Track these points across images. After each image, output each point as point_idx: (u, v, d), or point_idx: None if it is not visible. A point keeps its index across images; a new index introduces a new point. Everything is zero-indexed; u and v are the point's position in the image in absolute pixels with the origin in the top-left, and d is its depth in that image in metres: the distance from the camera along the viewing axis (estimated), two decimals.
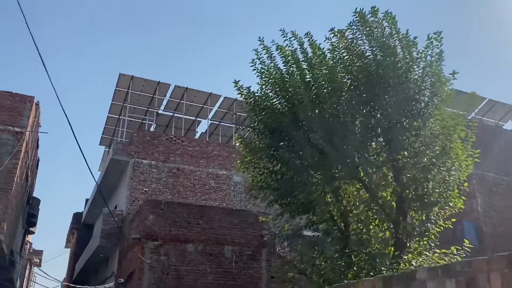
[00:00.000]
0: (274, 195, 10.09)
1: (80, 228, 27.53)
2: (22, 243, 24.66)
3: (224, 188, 20.01)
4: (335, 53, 8.66)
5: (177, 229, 13.10)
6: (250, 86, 9.71)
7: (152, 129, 23.96)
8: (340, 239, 9.03)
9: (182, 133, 23.77)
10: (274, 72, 9.25)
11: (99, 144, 26.73)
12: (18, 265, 20.86)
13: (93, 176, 7.08)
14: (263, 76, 9.32)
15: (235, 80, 9.50)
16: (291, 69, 9.17)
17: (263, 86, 9.60)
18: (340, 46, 8.55)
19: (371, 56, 8.34)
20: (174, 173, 18.97)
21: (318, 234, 10.23)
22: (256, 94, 9.54)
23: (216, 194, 19.66)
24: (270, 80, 9.37)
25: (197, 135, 26.06)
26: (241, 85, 9.59)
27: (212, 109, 23.95)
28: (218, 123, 24.96)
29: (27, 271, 30.24)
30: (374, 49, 8.24)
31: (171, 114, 24.12)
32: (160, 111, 23.77)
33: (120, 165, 18.52)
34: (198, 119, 24.97)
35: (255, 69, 9.61)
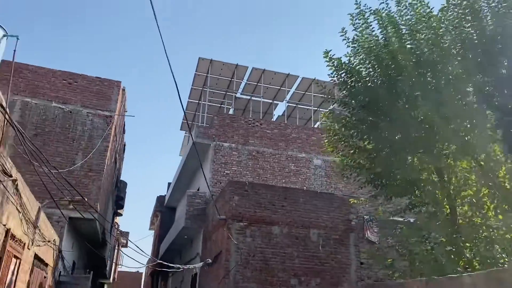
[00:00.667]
0: (367, 176, 9.36)
1: (164, 211, 28.54)
2: (112, 224, 26.11)
3: (304, 171, 19.49)
4: (445, 12, 7.64)
5: (262, 211, 12.81)
6: (340, 57, 8.99)
7: (230, 112, 23.98)
8: (448, 223, 8.11)
9: (260, 116, 23.52)
10: (369, 39, 8.44)
11: (180, 129, 27.39)
12: (109, 244, 22.05)
13: (190, 134, 6.86)
14: (357, 45, 8.55)
15: (325, 49, 8.81)
16: (388, 35, 8.29)
17: (353, 57, 8.83)
18: (450, 2, 7.52)
19: (488, 14, 7.24)
20: (254, 155, 18.77)
21: (417, 217, 9.37)
22: (349, 64, 8.79)
23: (296, 177, 19.20)
24: (364, 49, 8.57)
25: (274, 118, 25.68)
26: (332, 55, 8.89)
27: (289, 91, 23.41)
28: (295, 105, 24.37)
29: (115, 250, 32.10)
30: (494, 5, 7.11)
31: (249, 97, 23.94)
32: (238, 95, 23.68)
33: (201, 148, 18.66)
34: (275, 102, 24.57)
35: (345, 39, 8.89)
